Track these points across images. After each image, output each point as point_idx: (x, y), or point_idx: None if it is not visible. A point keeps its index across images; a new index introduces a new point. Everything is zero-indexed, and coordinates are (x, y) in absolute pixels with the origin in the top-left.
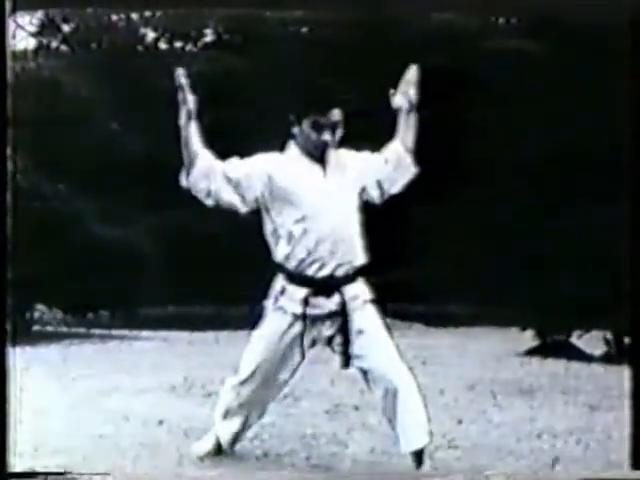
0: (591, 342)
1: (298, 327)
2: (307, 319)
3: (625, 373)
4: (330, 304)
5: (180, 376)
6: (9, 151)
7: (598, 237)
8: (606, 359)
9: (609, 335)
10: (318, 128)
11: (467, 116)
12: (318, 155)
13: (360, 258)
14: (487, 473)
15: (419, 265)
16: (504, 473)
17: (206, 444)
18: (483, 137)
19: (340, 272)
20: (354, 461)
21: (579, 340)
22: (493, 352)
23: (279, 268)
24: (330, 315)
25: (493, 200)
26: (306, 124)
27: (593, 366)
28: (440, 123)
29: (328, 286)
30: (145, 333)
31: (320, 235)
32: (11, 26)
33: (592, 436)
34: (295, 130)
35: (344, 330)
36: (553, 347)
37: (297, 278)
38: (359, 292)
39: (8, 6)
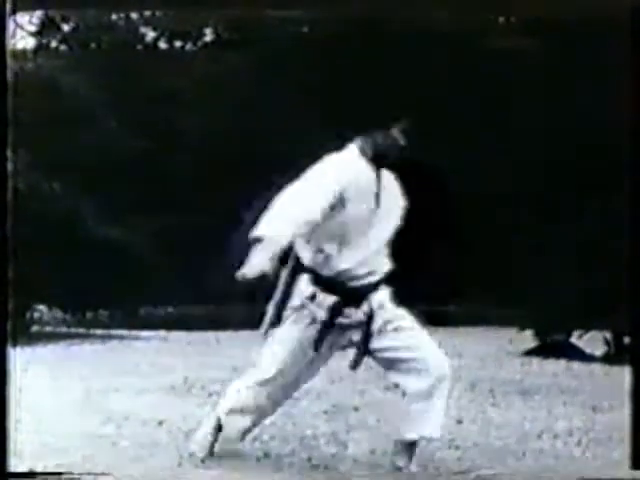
0: (591, 342)
1: (326, 334)
2: (335, 327)
3: (625, 373)
4: (359, 312)
5: (180, 376)
6: (9, 152)
7: (597, 238)
8: (606, 359)
9: (609, 335)
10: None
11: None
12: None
13: (387, 265)
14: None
15: (420, 266)
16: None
17: (204, 441)
18: (480, 139)
19: (369, 280)
20: (354, 461)
21: (579, 340)
22: (493, 352)
23: (307, 271)
24: (359, 323)
25: (492, 200)
26: (396, 130)
27: (593, 366)
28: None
29: (358, 294)
30: (145, 333)
31: (365, 253)
32: (11, 25)
33: (592, 436)
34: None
35: (367, 335)
36: (553, 347)
37: (329, 286)
38: (384, 297)
39: (8, 6)
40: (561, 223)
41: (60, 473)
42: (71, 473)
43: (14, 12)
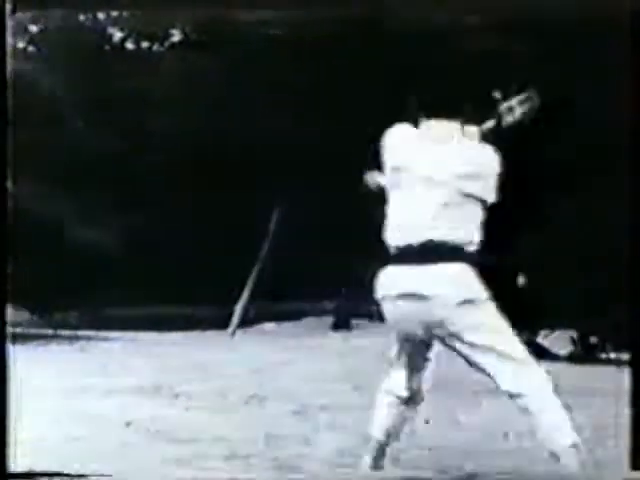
0: (557, 342)
1: None
2: None
3: (592, 371)
4: None
5: (148, 377)
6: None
7: (565, 237)
8: (572, 359)
9: (575, 335)
10: None
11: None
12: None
13: None
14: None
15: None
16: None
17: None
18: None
19: None
20: (321, 462)
21: (545, 340)
22: None
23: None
24: None
25: None
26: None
27: (559, 365)
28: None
29: None
30: (113, 334)
31: None
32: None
33: None
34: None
35: None
36: None
37: None
38: None
39: (8, 6)
40: (528, 225)
41: (60, 474)
42: (70, 474)
43: (14, 12)
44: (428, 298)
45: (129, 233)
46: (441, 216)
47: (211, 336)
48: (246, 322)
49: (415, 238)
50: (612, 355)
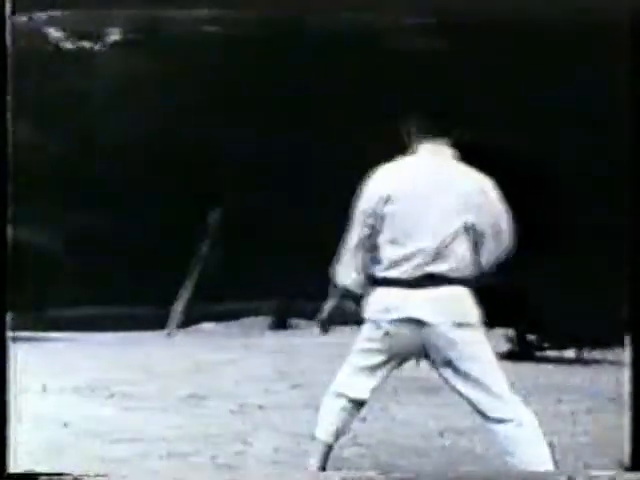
0: (494, 340)
1: None
2: None
3: (530, 369)
4: None
5: (86, 377)
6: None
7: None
8: (510, 356)
9: (511, 333)
10: None
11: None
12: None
13: None
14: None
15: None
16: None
17: None
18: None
19: None
20: (258, 460)
21: None
22: None
23: None
24: None
25: None
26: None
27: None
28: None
29: None
30: (53, 334)
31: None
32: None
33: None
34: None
35: None
36: None
37: None
38: None
39: (8, 7)
40: None
41: (60, 474)
42: (71, 474)
43: (14, 13)
44: (428, 324)
45: (69, 234)
46: (441, 250)
47: (150, 336)
48: (185, 322)
49: (414, 273)
50: (550, 353)
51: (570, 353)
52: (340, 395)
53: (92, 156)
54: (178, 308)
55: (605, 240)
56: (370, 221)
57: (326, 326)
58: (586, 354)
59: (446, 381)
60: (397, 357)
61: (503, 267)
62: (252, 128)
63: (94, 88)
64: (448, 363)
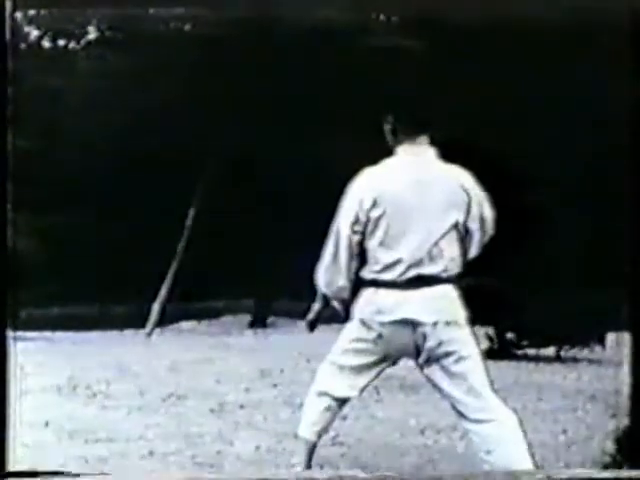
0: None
1: None
2: None
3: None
4: None
5: (65, 376)
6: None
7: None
8: (489, 355)
9: (490, 331)
10: None
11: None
12: None
13: None
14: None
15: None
16: None
17: None
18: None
19: None
20: (239, 459)
21: None
22: None
23: None
24: None
25: None
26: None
27: None
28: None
29: None
30: (29, 334)
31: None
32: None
33: None
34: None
35: None
36: None
37: None
38: None
39: (8, 6)
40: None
41: (60, 473)
42: (70, 473)
43: (14, 12)
44: (422, 324)
45: (44, 232)
46: (430, 251)
47: (128, 335)
48: (164, 321)
49: (406, 275)
50: (529, 351)
51: (549, 351)
52: (324, 394)
53: (72, 153)
54: (157, 307)
55: (597, 240)
56: (357, 227)
57: (315, 326)
58: (565, 352)
59: (431, 380)
60: (389, 358)
61: (487, 266)
62: (233, 126)
63: (72, 86)
64: (436, 361)
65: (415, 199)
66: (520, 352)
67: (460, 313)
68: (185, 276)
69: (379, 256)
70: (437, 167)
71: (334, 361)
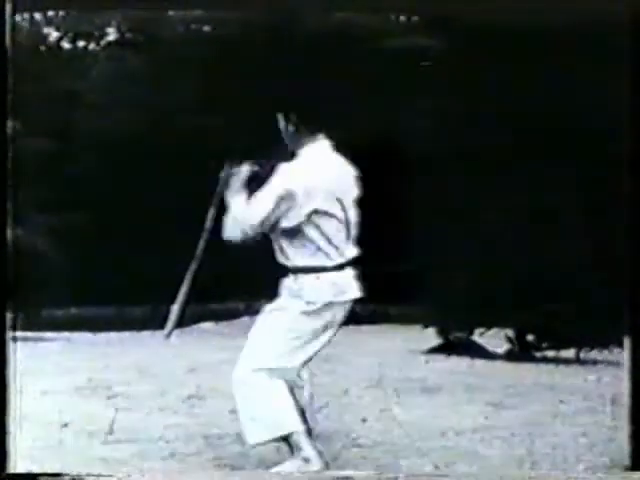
0: (493, 340)
1: None
2: None
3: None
4: None
5: (84, 377)
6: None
7: (499, 236)
8: (509, 357)
9: (510, 333)
10: None
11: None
12: None
13: None
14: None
15: None
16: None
17: None
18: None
19: None
20: (260, 460)
21: (481, 338)
22: (396, 350)
23: None
24: None
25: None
26: None
27: (496, 363)
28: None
29: None
30: (48, 334)
31: None
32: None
33: (496, 434)
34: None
35: None
36: (456, 345)
37: None
38: None
39: (8, 6)
40: (465, 222)
41: (60, 474)
42: (69, 474)
43: (14, 12)
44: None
45: (63, 233)
46: (352, 236)
47: (147, 336)
48: (183, 322)
49: (339, 260)
50: (549, 353)
51: (569, 353)
52: (278, 376)
53: (91, 153)
54: (176, 308)
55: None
56: (284, 207)
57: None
58: (585, 354)
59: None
60: (326, 331)
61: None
62: (248, 127)
63: (90, 87)
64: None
65: (339, 190)
66: (540, 354)
67: None
68: (204, 277)
69: (316, 242)
70: (341, 160)
71: (277, 341)
